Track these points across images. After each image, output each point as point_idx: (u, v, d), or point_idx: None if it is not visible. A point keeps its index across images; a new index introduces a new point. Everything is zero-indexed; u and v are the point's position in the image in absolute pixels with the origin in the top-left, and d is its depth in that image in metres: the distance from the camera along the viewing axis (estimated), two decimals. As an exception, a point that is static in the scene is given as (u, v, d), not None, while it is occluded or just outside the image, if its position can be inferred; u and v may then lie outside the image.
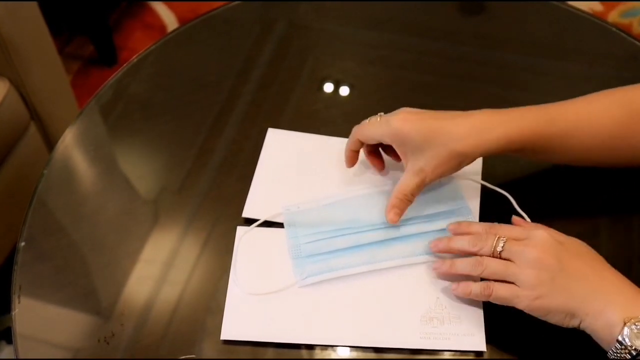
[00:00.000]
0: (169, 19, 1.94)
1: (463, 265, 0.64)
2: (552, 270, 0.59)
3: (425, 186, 0.68)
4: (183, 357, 0.63)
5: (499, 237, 0.62)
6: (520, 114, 0.66)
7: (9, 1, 1.15)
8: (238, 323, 0.65)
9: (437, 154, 0.65)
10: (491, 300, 0.62)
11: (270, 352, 0.64)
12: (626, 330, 0.55)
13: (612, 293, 0.57)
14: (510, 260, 0.61)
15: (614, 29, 0.94)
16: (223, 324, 0.65)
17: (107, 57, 1.81)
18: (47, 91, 1.31)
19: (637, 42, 0.92)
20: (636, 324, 0.54)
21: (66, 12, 1.77)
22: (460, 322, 0.65)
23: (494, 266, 0.62)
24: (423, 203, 0.72)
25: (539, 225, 0.64)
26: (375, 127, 0.69)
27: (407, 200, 0.68)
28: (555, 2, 0.99)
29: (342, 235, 0.70)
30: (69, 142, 0.83)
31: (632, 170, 0.74)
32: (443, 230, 0.70)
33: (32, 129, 1.29)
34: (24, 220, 0.74)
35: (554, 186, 0.76)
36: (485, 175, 0.75)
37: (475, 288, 0.63)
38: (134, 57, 0.90)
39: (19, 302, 0.67)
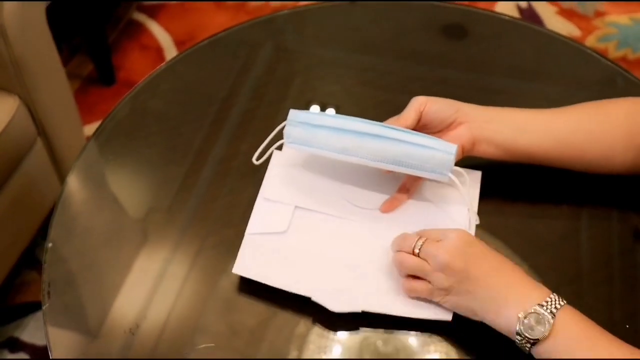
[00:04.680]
0: (165, 40, 2.01)
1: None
2: (459, 276, 0.67)
3: (420, 117, 0.76)
4: (202, 345, 0.69)
5: (419, 238, 0.70)
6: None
7: (19, 1, 1.21)
8: (249, 262, 0.74)
9: (441, 104, 0.77)
10: (412, 293, 0.71)
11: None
12: (520, 325, 0.63)
13: (506, 295, 0.65)
14: (426, 261, 0.69)
15: (592, 53, 1.01)
16: (237, 259, 0.74)
17: (106, 76, 1.87)
18: (54, 108, 1.37)
19: (614, 66, 0.98)
20: (526, 319, 0.63)
21: (67, 32, 1.84)
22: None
23: (409, 263, 0.70)
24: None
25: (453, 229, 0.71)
26: None
27: (399, 122, 0.76)
28: (535, 27, 1.07)
29: (335, 117, 0.77)
30: (88, 154, 0.89)
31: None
32: (423, 146, 0.73)
33: (39, 144, 1.35)
34: (50, 223, 0.80)
35: (535, 184, 0.83)
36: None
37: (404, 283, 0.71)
38: (146, 77, 0.96)
39: (49, 298, 0.73)
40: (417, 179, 0.79)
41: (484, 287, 0.66)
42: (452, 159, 0.72)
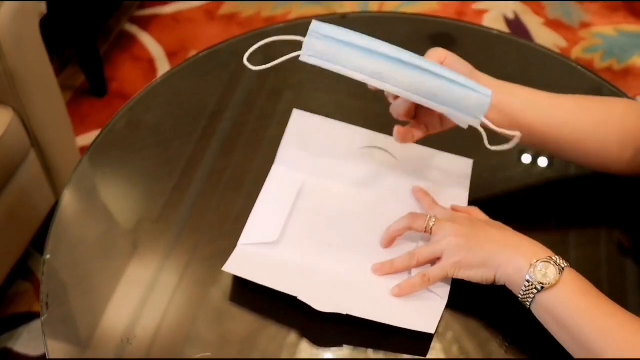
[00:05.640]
0: (156, 52, 2.02)
1: (401, 261, 0.76)
2: (467, 235, 0.72)
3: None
4: (199, 355, 0.70)
5: (430, 217, 0.75)
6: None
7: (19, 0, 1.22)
8: (240, 262, 0.74)
9: (459, 61, 0.76)
10: (432, 283, 0.73)
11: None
12: (532, 270, 0.68)
13: (517, 246, 0.71)
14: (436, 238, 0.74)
15: (576, 65, 1.04)
16: (228, 260, 0.74)
17: (98, 88, 1.88)
18: (47, 120, 1.38)
19: (597, 78, 1.02)
20: (538, 265, 0.68)
21: (58, 43, 1.85)
22: (421, 303, 0.73)
23: (424, 252, 0.74)
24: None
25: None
26: None
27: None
28: (522, 41, 1.09)
29: (364, 37, 0.71)
30: (85, 167, 0.90)
31: (600, 179, 0.84)
32: (460, 84, 0.70)
33: (32, 156, 1.36)
34: (47, 235, 0.81)
35: (525, 194, 0.86)
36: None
37: (416, 281, 0.74)
38: (141, 90, 0.98)
39: (47, 309, 0.74)
40: (430, 117, 0.77)
41: (492, 243, 0.71)
42: (488, 102, 0.70)
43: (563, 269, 0.67)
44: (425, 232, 0.75)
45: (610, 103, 0.83)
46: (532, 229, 0.82)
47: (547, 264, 0.67)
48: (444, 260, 0.73)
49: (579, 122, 0.79)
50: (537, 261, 0.68)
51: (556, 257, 0.69)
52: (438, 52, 0.75)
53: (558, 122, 0.79)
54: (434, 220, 0.75)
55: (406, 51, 0.70)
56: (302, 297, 0.71)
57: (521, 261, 0.69)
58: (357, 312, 0.71)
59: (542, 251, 0.70)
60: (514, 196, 0.86)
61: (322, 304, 0.71)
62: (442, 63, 0.74)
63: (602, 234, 0.84)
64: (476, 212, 0.79)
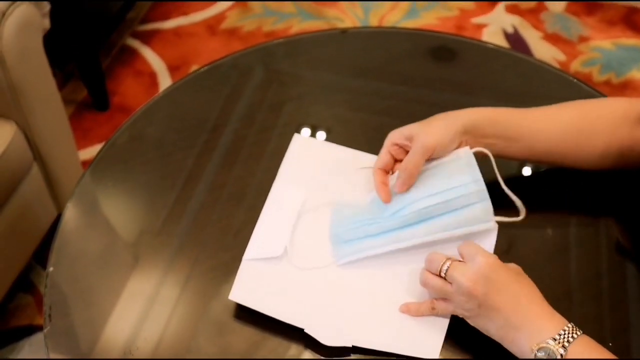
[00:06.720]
0: (158, 66, 2.04)
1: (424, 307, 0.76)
2: (478, 301, 0.69)
3: (427, 159, 0.79)
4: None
5: (446, 260, 0.73)
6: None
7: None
8: (245, 289, 0.76)
9: (437, 126, 0.80)
10: (437, 313, 0.74)
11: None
12: (532, 357, 0.66)
13: (523, 324, 0.68)
14: (451, 288, 0.72)
15: (573, 79, 1.05)
16: (234, 285, 0.76)
17: (100, 102, 1.90)
18: (50, 134, 1.39)
19: (593, 91, 1.03)
20: (539, 350, 0.66)
21: (61, 58, 1.86)
22: (424, 326, 0.75)
23: (433, 283, 0.74)
24: (432, 184, 0.80)
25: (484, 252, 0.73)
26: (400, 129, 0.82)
27: (412, 172, 0.79)
28: (520, 55, 1.10)
29: (371, 224, 0.80)
30: (87, 180, 0.91)
31: (598, 184, 0.86)
32: (453, 210, 0.78)
33: (35, 169, 1.37)
34: (50, 248, 0.82)
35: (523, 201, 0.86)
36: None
37: (424, 309, 0.75)
38: (143, 105, 0.99)
39: (50, 321, 0.75)
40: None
41: (501, 315, 0.69)
42: (489, 205, 0.78)
43: (566, 347, 0.65)
44: (439, 276, 0.73)
45: (598, 104, 0.85)
46: (531, 235, 0.84)
47: (547, 349, 0.65)
48: (455, 307, 0.73)
49: (569, 137, 0.82)
50: (537, 348, 0.66)
51: (563, 332, 0.66)
52: (427, 147, 0.79)
53: (544, 149, 0.82)
54: (447, 265, 0.72)
55: (408, 209, 0.79)
56: (309, 331, 0.74)
57: (523, 345, 0.67)
58: (362, 342, 0.73)
59: (548, 329, 0.67)
60: (511, 201, 0.86)
61: (328, 337, 0.73)
62: (431, 154, 0.79)
63: (601, 233, 0.85)
64: (487, 257, 0.72)
